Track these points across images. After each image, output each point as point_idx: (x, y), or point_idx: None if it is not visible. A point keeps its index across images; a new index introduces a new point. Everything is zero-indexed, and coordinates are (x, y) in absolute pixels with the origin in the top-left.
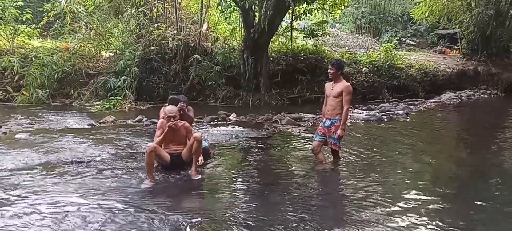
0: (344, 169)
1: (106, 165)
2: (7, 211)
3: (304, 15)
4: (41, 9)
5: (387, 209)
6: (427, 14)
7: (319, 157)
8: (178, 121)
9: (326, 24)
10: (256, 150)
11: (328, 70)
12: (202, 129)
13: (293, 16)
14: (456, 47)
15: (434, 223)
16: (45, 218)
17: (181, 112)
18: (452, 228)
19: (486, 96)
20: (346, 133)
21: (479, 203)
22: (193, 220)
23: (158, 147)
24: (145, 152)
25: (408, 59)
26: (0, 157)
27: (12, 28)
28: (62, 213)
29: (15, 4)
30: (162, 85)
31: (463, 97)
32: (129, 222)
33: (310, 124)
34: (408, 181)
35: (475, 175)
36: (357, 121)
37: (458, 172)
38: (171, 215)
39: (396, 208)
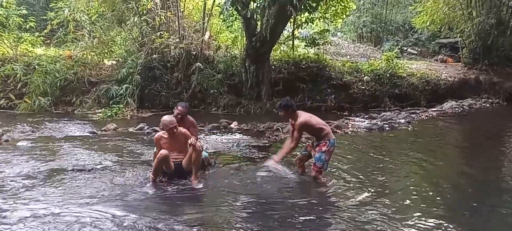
0: (346, 177)
1: (107, 172)
2: (8, 219)
3: (306, 24)
4: (44, 17)
5: (388, 218)
6: (428, 23)
7: (301, 170)
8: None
9: (327, 33)
10: (258, 158)
11: (280, 115)
12: (203, 137)
13: (295, 25)
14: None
15: None
16: (46, 225)
17: (179, 116)
18: None
19: (488, 105)
20: (346, 139)
21: (480, 212)
22: (194, 229)
23: (169, 155)
24: (157, 157)
25: (410, 68)
26: (2, 165)
27: (15, 36)
28: (64, 220)
29: (18, 12)
30: (164, 93)
31: (464, 106)
32: (130, 229)
33: None
34: (409, 190)
35: (476, 184)
36: (359, 130)
37: (459, 181)
38: (171, 223)
39: (397, 217)
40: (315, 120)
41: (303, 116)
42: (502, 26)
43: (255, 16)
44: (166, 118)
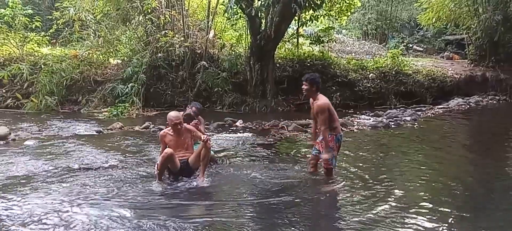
0: (351, 176)
1: (113, 171)
2: (16, 217)
3: (311, 22)
4: (50, 17)
5: (393, 217)
6: (434, 20)
7: (313, 170)
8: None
9: (332, 30)
10: (263, 156)
11: (302, 87)
12: (212, 135)
13: (300, 23)
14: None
15: (440, 230)
16: (52, 223)
17: (193, 113)
18: None
19: (494, 102)
20: (350, 139)
21: (486, 210)
22: (200, 227)
23: (174, 154)
24: (162, 156)
25: (415, 65)
26: (9, 163)
27: (21, 35)
28: (69, 219)
29: (24, 12)
30: (169, 92)
31: (471, 103)
32: (136, 228)
33: None
34: (415, 189)
35: (482, 182)
36: (364, 127)
37: (465, 179)
38: (178, 221)
39: (403, 215)
40: (332, 108)
41: (325, 98)
42: (508, 23)
43: (259, 14)
44: (172, 113)
